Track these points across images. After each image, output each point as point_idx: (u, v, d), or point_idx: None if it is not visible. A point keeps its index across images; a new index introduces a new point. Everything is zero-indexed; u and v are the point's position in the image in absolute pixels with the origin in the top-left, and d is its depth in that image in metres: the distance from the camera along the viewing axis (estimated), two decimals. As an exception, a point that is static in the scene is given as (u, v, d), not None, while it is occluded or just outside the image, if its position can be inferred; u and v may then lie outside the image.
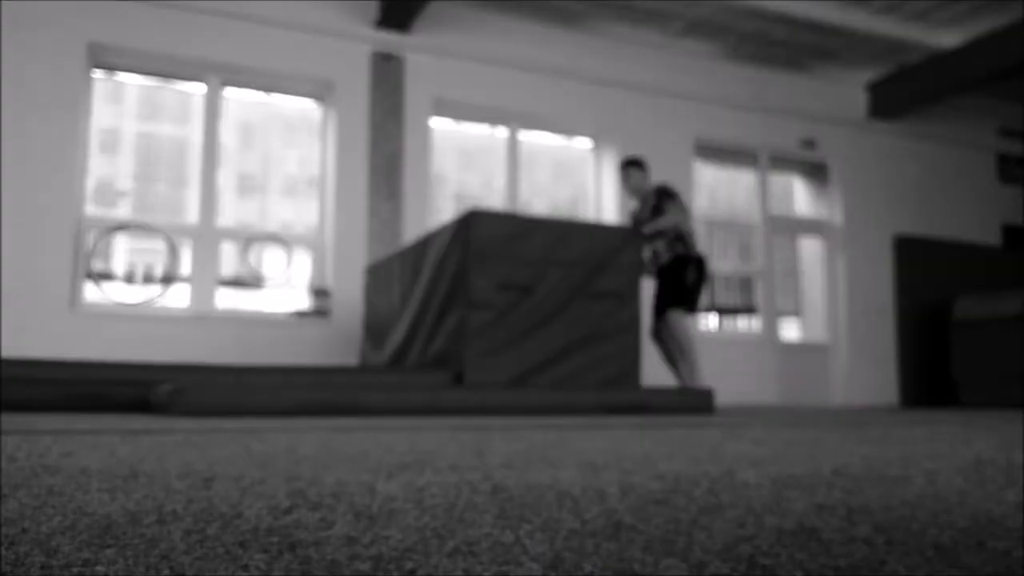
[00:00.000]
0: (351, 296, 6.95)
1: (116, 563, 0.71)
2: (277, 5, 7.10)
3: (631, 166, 6.22)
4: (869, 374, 9.13)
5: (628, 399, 4.88)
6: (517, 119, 8.10)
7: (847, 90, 9.58)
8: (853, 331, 9.19)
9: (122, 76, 6.98)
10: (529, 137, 8.31)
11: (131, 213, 6.89)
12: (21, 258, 6.07)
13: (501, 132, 8.15)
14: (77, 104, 6.46)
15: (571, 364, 5.02)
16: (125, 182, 7.02)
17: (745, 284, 9.06)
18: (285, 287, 7.15)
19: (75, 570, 0.69)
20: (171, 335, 6.45)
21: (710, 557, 0.76)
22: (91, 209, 6.67)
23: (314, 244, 7.28)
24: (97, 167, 6.84)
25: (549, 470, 1.51)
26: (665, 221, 5.78)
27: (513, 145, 8.11)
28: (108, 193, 6.90)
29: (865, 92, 9.64)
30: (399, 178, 7.31)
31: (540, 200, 8.33)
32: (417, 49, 7.58)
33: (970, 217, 10.09)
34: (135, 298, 6.66)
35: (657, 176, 8.43)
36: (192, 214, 6.97)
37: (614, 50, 8.46)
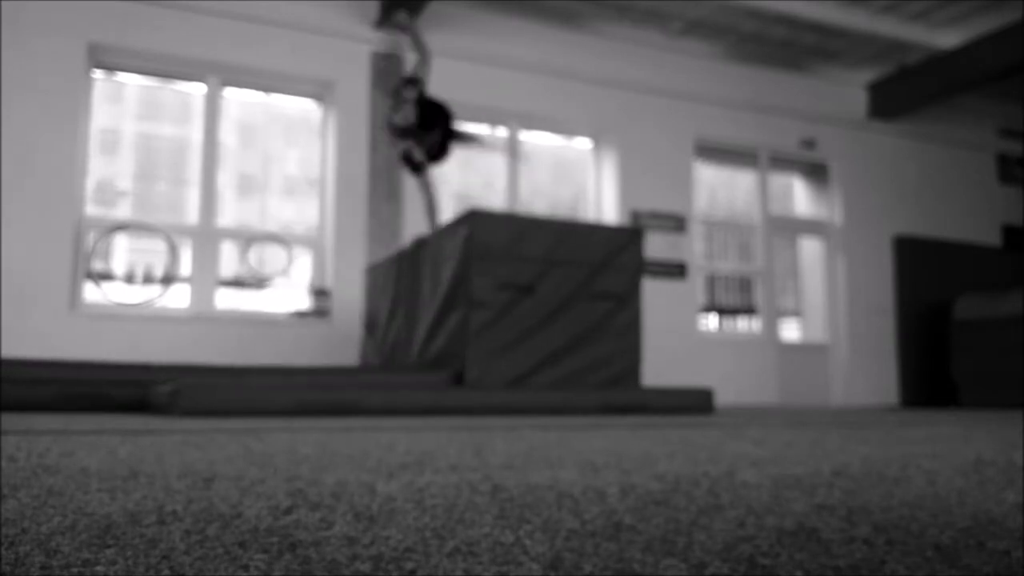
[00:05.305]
0: (351, 296, 6.95)
1: (116, 563, 0.71)
2: (277, 5, 7.09)
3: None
4: (869, 374, 9.13)
5: (628, 399, 4.88)
6: (517, 119, 8.10)
7: (847, 90, 9.58)
8: (853, 331, 9.18)
9: (122, 76, 6.97)
10: (529, 137, 8.31)
11: (131, 213, 6.89)
12: (21, 258, 6.07)
13: (501, 132, 8.14)
14: (77, 104, 6.46)
15: (571, 364, 5.02)
16: (125, 182, 7.01)
17: (745, 284, 9.05)
18: (285, 287, 7.14)
19: (75, 570, 0.69)
20: (171, 335, 6.45)
21: (710, 557, 0.76)
22: (91, 209, 6.67)
23: (314, 244, 7.28)
24: (97, 167, 6.83)
25: (549, 470, 1.51)
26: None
27: (513, 145, 8.11)
28: (108, 193, 6.90)
29: (865, 92, 9.64)
30: (399, 178, 7.31)
31: (540, 200, 8.33)
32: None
33: (970, 217, 10.09)
34: (135, 298, 6.66)
35: (657, 175, 8.50)
36: (192, 214, 6.97)
37: (614, 50, 8.46)
